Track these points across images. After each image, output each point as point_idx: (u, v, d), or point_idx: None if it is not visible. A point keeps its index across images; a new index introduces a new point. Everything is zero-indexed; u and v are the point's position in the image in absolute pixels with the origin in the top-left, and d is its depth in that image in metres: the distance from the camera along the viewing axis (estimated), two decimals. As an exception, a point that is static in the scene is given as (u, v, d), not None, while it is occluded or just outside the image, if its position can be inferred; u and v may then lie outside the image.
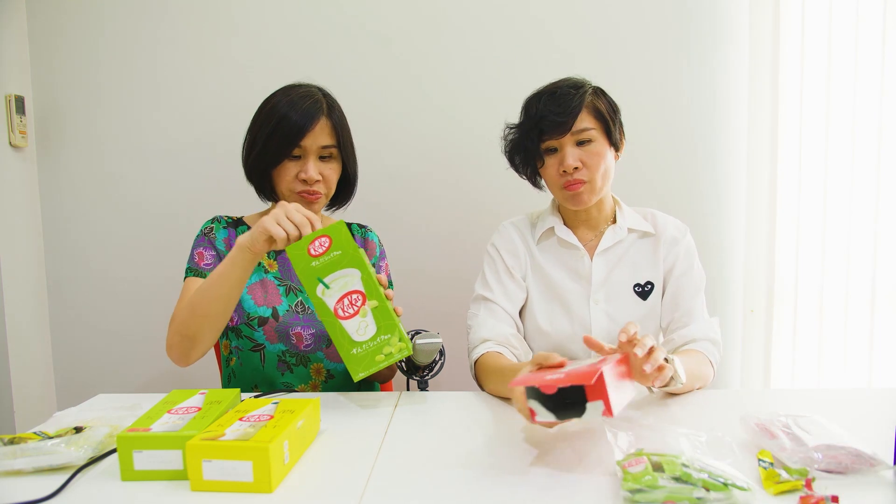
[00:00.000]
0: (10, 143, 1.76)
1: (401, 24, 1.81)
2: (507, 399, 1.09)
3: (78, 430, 0.86)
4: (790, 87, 1.73)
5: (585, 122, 1.18)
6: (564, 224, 1.30)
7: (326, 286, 0.97)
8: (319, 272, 0.97)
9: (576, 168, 1.17)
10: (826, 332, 1.76)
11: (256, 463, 0.72)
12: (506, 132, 1.29)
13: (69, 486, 0.76)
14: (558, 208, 1.32)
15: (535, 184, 1.32)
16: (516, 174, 1.32)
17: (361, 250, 1.00)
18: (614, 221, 1.30)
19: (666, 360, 0.95)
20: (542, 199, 1.37)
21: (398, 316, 1.04)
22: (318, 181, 1.20)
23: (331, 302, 0.97)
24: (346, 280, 0.97)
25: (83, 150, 1.86)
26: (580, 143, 1.19)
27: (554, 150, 1.20)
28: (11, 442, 0.82)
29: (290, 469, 0.79)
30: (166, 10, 1.82)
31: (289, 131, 1.17)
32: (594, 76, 1.26)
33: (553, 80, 1.24)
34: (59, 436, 0.84)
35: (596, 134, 1.19)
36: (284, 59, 1.82)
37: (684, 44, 1.80)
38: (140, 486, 0.75)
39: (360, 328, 0.97)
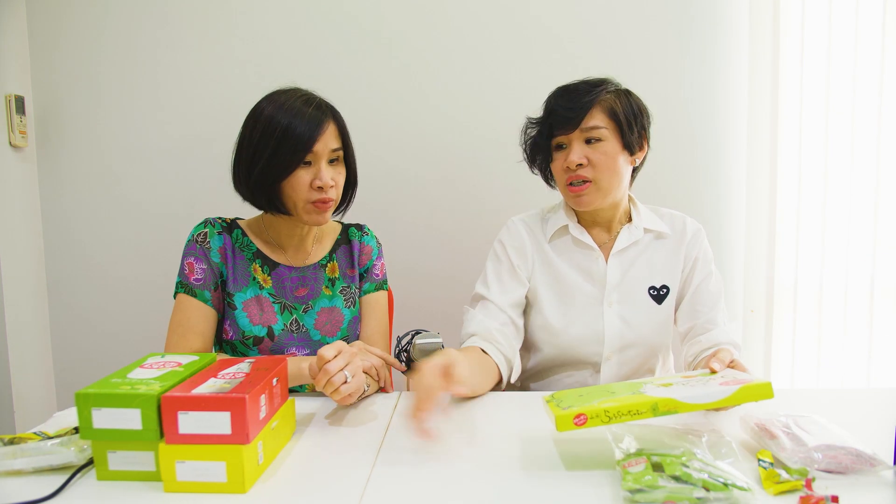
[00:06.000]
0: (10, 143, 1.76)
1: (400, 24, 1.81)
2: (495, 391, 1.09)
3: (78, 430, 0.86)
4: (790, 87, 1.74)
5: (596, 119, 1.15)
6: (578, 223, 1.27)
7: None
8: None
9: (580, 165, 1.15)
10: (825, 333, 1.76)
11: (230, 464, 0.72)
12: (525, 126, 1.27)
13: (69, 486, 0.76)
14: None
15: (548, 181, 1.29)
16: (519, 173, 1.29)
17: None
18: (629, 221, 1.27)
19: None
20: (543, 198, 1.36)
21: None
22: (331, 186, 1.15)
23: None
24: None
25: (83, 149, 1.86)
26: (589, 141, 1.16)
27: (562, 147, 1.19)
28: (11, 442, 0.82)
29: (264, 469, 0.79)
30: (166, 9, 1.82)
31: (300, 138, 1.11)
32: (593, 75, 1.24)
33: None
34: (59, 436, 0.84)
35: (607, 133, 1.15)
36: (283, 58, 1.82)
37: (684, 43, 1.80)
38: (140, 487, 0.75)
39: None
